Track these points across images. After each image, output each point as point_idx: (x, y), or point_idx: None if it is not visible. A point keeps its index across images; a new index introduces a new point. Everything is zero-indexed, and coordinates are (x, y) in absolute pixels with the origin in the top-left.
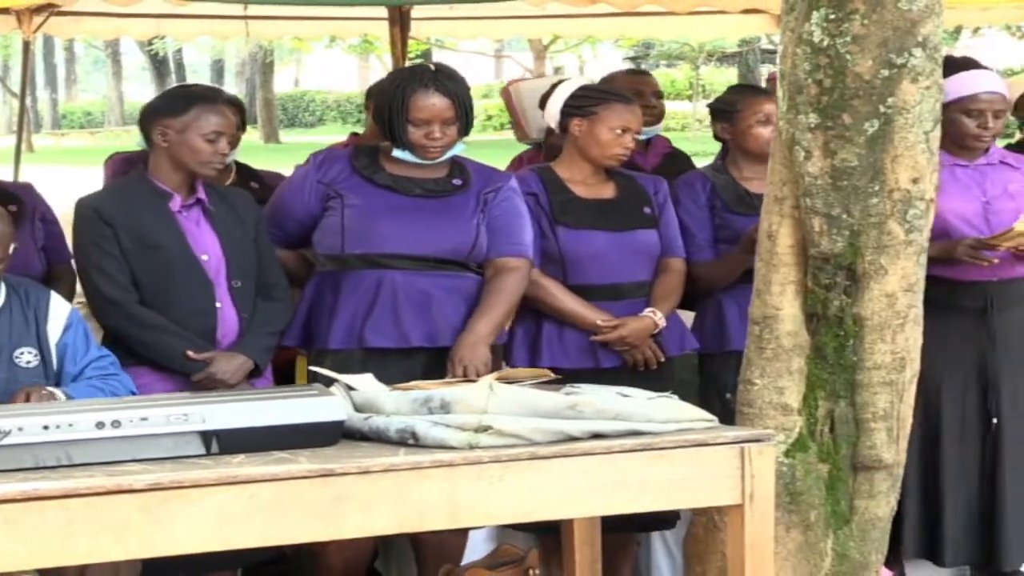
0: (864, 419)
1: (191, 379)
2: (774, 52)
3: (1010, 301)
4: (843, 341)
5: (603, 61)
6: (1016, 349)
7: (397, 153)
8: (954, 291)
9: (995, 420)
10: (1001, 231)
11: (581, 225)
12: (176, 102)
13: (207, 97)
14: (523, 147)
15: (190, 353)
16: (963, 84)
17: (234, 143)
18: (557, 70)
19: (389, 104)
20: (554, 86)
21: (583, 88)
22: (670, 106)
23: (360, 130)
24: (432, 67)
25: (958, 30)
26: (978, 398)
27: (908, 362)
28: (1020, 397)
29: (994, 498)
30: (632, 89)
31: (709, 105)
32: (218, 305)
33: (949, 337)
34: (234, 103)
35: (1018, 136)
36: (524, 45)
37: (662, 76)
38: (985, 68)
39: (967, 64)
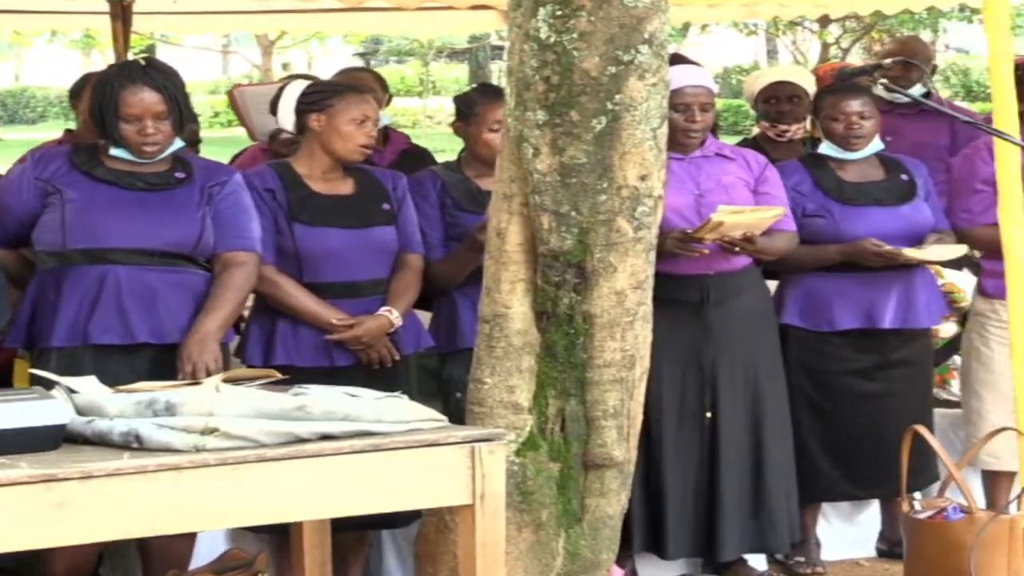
0: (594, 417)
1: None
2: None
3: (727, 294)
4: (573, 339)
5: (332, 57)
6: (732, 342)
7: (114, 151)
8: (673, 285)
9: (709, 414)
10: (702, 223)
11: (318, 222)
12: None
13: None
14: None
15: None
16: (671, 78)
17: None
18: (285, 66)
19: (100, 102)
20: (282, 88)
21: (315, 83)
22: (400, 103)
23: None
24: (142, 62)
25: (686, 27)
26: (696, 391)
27: (638, 359)
28: (737, 389)
29: (712, 490)
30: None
31: (455, 98)
32: None
33: (668, 331)
34: None
35: (755, 131)
36: (252, 40)
37: (392, 72)
38: (692, 63)
39: (673, 60)
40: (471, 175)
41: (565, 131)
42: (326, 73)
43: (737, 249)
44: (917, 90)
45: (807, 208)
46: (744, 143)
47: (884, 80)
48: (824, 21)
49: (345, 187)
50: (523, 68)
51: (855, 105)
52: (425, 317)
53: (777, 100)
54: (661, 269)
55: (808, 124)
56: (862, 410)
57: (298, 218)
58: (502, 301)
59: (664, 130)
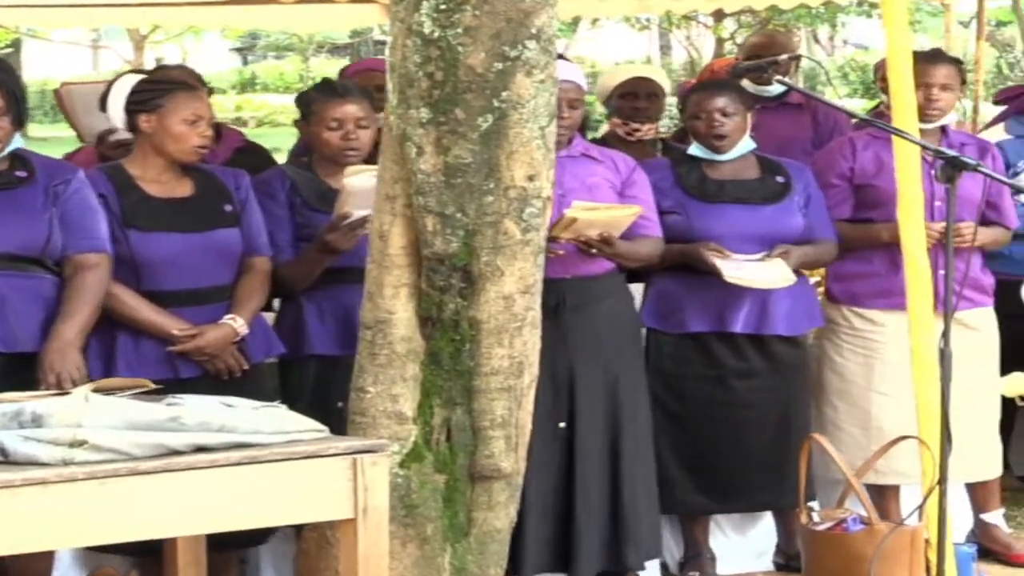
0: (482, 427)
1: None
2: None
3: (585, 299)
4: (459, 346)
5: (208, 52)
6: (590, 349)
7: None
8: None
9: (563, 424)
10: (555, 222)
11: (154, 227)
12: None
13: None
14: None
15: None
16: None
17: None
18: (158, 62)
19: None
20: (111, 84)
21: (143, 81)
22: (278, 100)
23: None
24: None
25: (576, 22)
26: (551, 400)
27: (527, 367)
28: (595, 398)
29: (570, 502)
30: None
31: (296, 98)
32: None
33: None
34: None
35: (604, 128)
36: (123, 35)
37: (270, 69)
38: (561, 58)
39: None
40: (321, 174)
41: (450, 129)
42: (201, 67)
43: (594, 251)
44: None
45: (663, 204)
46: (594, 141)
47: (780, 78)
48: (719, 16)
49: (183, 189)
50: (406, 64)
51: (717, 102)
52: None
53: (635, 96)
54: None
55: (660, 126)
56: (717, 418)
57: (132, 224)
58: (385, 307)
59: (553, 128)
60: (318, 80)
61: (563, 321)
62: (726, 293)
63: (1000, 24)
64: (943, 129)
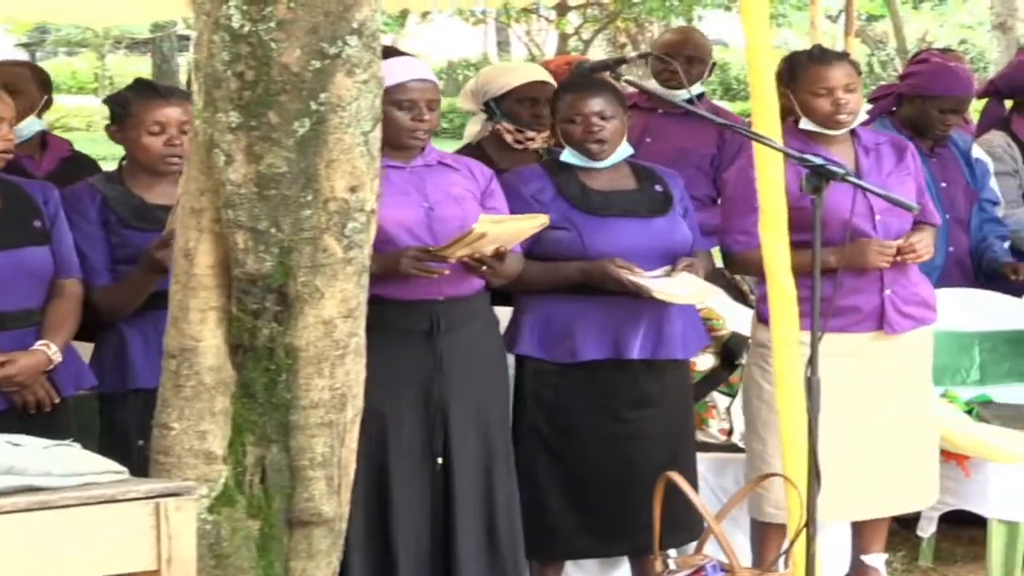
0: (300, 467)
1: None
2: None
3: (457, 322)
4: (274, 376)
5: None
6: (464, 375)
7: None
8: (398, 312)
9: (440, 459)
10: (457, 235)
11: None
12: None
13: None
14: None
15: None
16: (390, 73)
17: None
18: None
19: None
20: None
21: None
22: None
23: None
24: None
25: (404, 15)
26: (425, 433)
27: (349, 399)
28: (468, 430)
29: (448, 542)
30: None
31: (104, 100)
32: None
33: (394, 364)
34: None
35: (471, 129)
36: None
37: (61, 67)
38: (410, 55)
39: (385, 52)
40: (135, 187)
41: (262, 135)
42: None
43: (485, 268)
44: (696, 89)
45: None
46: (466, 150)
47: (629, 78)
48: (562, 8)
49: None
50: (213, 62)
51: (595, 104)
52: (84, 350)
53: (535, 102)
54: (385, 294)
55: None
56: (609, 453)
57: None
58: (191, 333)
59: (377, 134)
60: (116, 80)
61: (436, 346)
62: (623, 317)
63: (872, 18)
64: (853, 131)
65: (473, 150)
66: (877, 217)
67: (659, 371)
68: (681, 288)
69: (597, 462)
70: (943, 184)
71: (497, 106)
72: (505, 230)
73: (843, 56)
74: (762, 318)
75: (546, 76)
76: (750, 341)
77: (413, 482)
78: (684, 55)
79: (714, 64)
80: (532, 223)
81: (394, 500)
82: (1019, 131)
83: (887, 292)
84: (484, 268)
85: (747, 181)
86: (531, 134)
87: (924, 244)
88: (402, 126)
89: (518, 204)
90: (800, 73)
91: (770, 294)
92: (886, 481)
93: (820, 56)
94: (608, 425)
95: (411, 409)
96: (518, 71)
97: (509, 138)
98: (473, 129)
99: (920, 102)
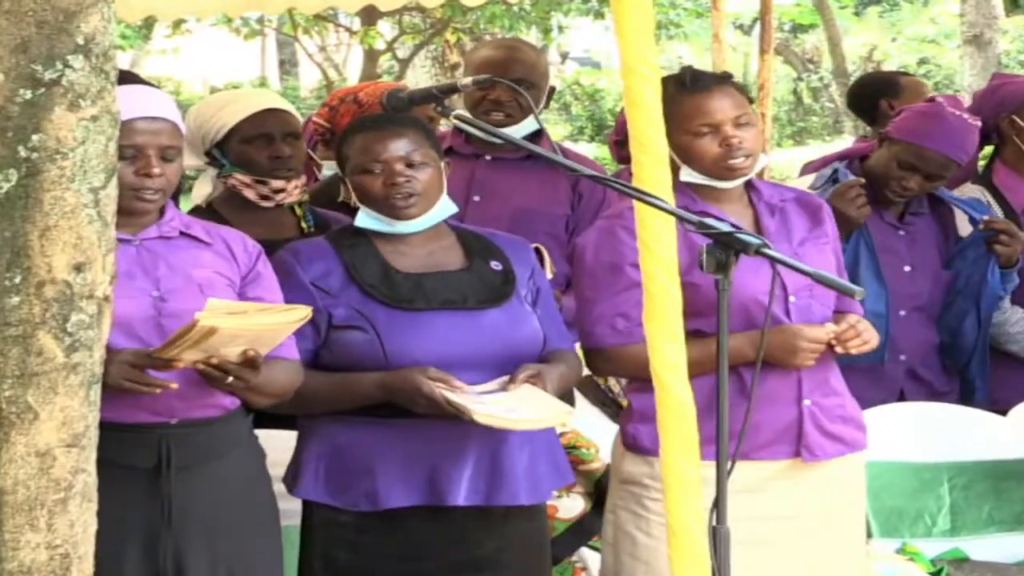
0: None
1: None
2: None
3: (198, 455)
4: None
5: None
6: (206, 527)
7: None
8: (115, 441)
9: None
10: (179, 331)
11: None
12: None
13: None
14: None
15: None
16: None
17: None
18: None
19: None
20: None
21: None
22: None
23: None
24: None
25: (150, 26)
26: None
27: (75, 560)
28: None
29: None
30: None
31: None
32: None
33: (115, 514)
34: None
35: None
36: None
37: None
38: (144, 83)
39: (122, 78)
40: None
41: None
42: None
43: (231, 380)
44: (528, 125)
45: (336, 315)
46: (197, 215)
47: (460, 113)
48: (369, 17)
49: None
50: None
51: (397, 147)
52: None
53: (269, 140)
54: (104, 416)
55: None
56: None
57: None
58: None
59: (112, 192)
60: None
61: (164, 488)
62: (441, 449)
63: (798, 30)
64: (749, 183)
65: (207, 216)
66: (792, 299)
67: (496, 523)
68: (522, 408)
69: None
70: (907, 268)
71: (222, 154)
72: (250, 324)
73: (725, 79)
74: (632, 443)
75: (278, 101)
76: (612, 478)
77: None
78: (509, 79)
79: (552, 90)
80: (290, 317)
81: None
82: (1002, 184)
83: (806, 402)
84: (230, 380)
85: (612, 247)
86: (278, 184)
87: (868, 329)
88: (124, 182)
89: (295, 294)
90: (672, 109)
91: (661, 410)
92: None
93: (694, 83)
94: None
95: (132, 570)
96: (235, 103)
97: (251, 194)
98: (202, 190)
99: (901, 148)
